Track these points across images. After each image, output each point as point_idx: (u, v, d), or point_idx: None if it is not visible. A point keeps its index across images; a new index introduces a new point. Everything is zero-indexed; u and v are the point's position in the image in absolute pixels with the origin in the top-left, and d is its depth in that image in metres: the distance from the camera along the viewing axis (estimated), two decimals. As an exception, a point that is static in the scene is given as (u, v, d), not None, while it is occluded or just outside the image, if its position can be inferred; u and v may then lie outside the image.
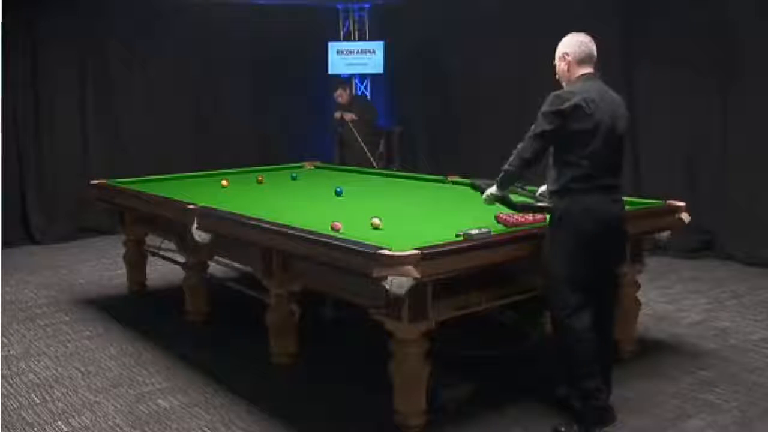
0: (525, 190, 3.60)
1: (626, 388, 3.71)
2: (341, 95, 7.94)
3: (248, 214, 4.01)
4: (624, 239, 3.46)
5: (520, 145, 3.29)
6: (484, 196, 3.47)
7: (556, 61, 3.40)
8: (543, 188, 3.58)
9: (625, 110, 3.36)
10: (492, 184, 3.44)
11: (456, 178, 5.33)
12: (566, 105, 3.17)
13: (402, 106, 9.21)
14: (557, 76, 3.42)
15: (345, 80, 8.72)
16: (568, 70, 3.35)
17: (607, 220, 3.27)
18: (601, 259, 3.31)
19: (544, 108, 3.22)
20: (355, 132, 7.75)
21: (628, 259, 3.83)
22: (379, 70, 8.98)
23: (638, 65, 6.74)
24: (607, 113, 3.22)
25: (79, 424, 3.55)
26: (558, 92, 3.26)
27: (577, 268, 3.24)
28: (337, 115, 7.90)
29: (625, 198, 4.13)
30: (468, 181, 5.18)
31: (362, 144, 7.75)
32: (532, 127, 3.26)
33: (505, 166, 3.34)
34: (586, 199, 3.23)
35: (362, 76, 9.32)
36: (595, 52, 3.35)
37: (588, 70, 3.33)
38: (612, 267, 3.44)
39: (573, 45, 3.34)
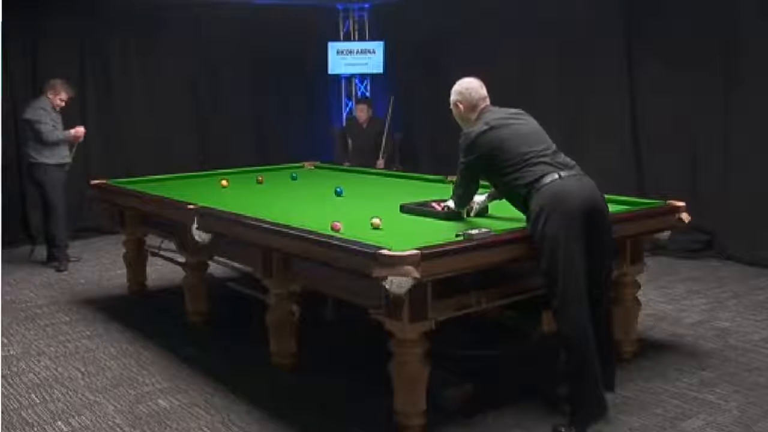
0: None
1: (626, 388, 3.72)
2: (361, 111, 7.97)
3: (248, 214, 4.00)
4: (604, 215, 3.40)
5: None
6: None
7: (452, 107, 3.67)
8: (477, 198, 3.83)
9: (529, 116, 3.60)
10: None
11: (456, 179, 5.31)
12: (477, 131, 3.43)
13: (402, 107, 9.18)
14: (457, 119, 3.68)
15: (369, 99, 8.65)
16: (462, 114, 3.63)
17: (575, 196, 3.26)
18: (585, 238, 3.26)
19: (462, 146, 3.49)
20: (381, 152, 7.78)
21: (616, 243, 3.81)
22: (379, 70, 8.98)
23: (640, 65, 6.74)
24: (516, 118, 3.51)
25: (79, 424, 3.56)
26: (464, 132, 3.54)
27: (567, 255, 3.20)
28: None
29: (625, 198, 4.16)
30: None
31: (382, 156, 7.80)
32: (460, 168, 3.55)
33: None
34: (546, 186, 3.28)
35: (362, 76, 9.33)
36: (485, 92, 3.60)
37: (483, 105, 3.59)
38: (602, 248, 3.37)
39: (462, 93, 3.61)
